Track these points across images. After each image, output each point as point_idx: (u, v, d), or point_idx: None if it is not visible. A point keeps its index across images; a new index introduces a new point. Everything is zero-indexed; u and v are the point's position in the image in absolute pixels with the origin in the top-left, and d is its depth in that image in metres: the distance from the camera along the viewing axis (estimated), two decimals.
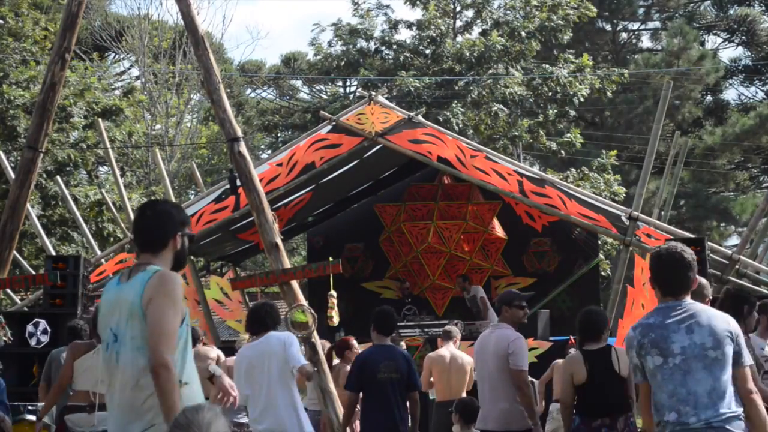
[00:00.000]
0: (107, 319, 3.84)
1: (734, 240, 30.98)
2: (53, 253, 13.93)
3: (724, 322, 4.09)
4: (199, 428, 2.84)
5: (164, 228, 3.89)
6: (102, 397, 7.20)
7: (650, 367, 4.03)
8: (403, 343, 10.93)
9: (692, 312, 4.08)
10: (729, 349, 4.00)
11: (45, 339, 10.62)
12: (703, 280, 5.64)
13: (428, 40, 24.29)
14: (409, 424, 7.28)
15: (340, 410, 7.99)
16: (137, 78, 29.73)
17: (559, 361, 9.61)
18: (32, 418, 8.33)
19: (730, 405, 3.93)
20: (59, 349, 9.01)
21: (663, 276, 4.14)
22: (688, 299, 4.15)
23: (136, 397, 3.72)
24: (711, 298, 5.79)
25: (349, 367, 7.84)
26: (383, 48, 25.91)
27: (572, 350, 7.85)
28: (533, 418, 6.62)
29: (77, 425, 6.97)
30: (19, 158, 14.16)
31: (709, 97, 32.40)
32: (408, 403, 7.18)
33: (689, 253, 4.18)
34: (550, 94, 23.34)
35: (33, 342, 10.37)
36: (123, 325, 3.77)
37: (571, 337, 10.23)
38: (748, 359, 4.12)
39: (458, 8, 26.25)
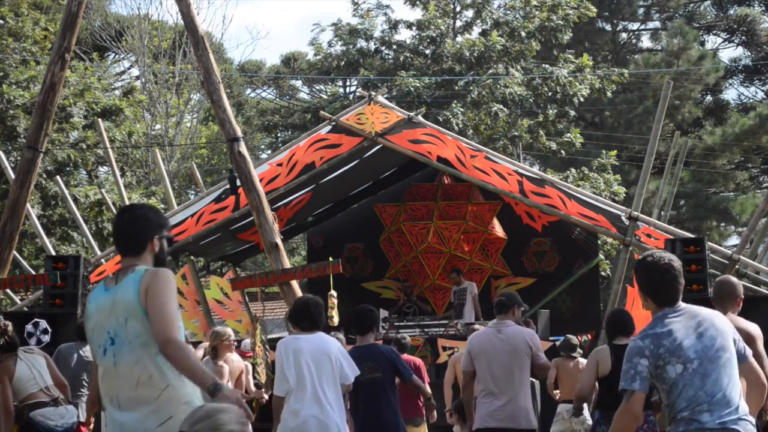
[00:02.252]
0: (102, 323, 3.87)
1: (734, 240, 30.94)
2: (53, 253, 13.91)
3: (725, 320, 4.10)
4: (216, 420, 2.88)
5: (143, 231, 3.97)
6: (53, 389, 7.29)
7: (671, 377, 4.00)
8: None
9: (693, 315, 4.07)
10: (733, 347, 4.03)
11: (45, 339, 10.62)
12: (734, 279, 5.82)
13: (428, 40, 24.28)
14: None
15: None
16: (137, 78, 29.73)
17: (457, 354, 9.82)
18: None
19: (741, 405, 3.96)
20: (68, 345, 9.04)
21: (656, 286, 4.12)
22: (683, 304, 4.15)
23: (150, 393, 3.77)
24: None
25: None
26: (383, 48, 25.90)
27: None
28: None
29: (48, 418, 7.06)
30: (19, 158, 14.16)
31: (709, 97, 32.38)
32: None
33: (677, 261, 4.17)
34: (550, 94, 23.32)
35: (33, 342, 10.35)
36: (122, 327, 3.80)
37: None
38: (749, 351, 4.19)
39: (458, 8, 26.25)
